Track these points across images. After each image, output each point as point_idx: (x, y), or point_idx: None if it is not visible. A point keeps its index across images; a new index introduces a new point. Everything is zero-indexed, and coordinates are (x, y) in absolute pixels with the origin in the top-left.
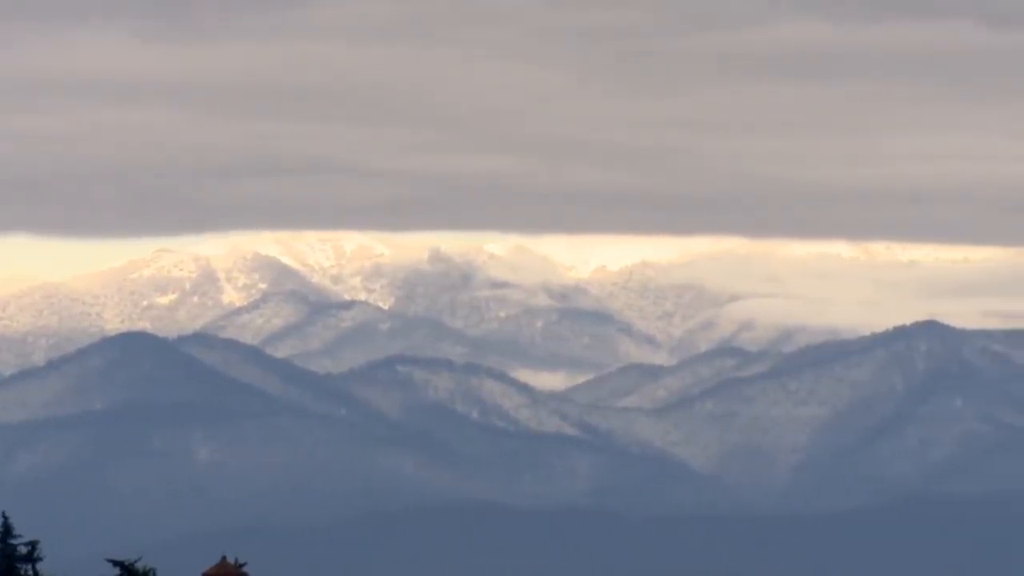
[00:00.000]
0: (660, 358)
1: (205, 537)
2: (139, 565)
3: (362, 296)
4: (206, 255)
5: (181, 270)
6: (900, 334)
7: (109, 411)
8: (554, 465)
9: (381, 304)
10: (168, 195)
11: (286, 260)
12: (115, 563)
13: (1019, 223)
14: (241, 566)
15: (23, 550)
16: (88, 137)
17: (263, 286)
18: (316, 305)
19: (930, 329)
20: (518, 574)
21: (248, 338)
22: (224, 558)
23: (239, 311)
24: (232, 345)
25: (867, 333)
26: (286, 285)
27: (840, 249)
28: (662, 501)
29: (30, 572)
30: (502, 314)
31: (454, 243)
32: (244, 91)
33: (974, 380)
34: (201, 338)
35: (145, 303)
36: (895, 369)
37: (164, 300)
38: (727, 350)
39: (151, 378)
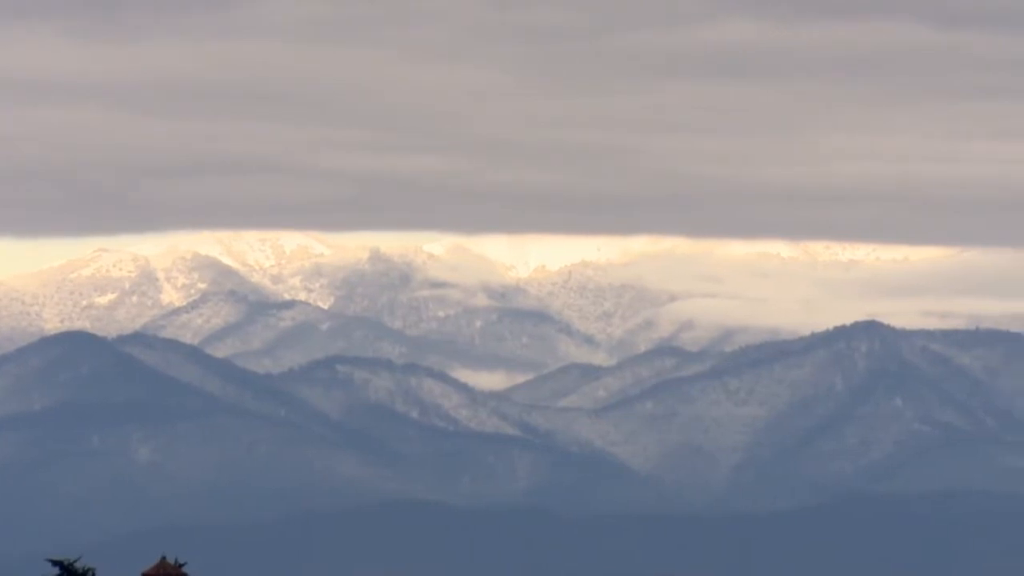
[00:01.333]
0: (599, 358)
1: (145, 537)
2: (79, 565)
3: (302, 296)
4: (145, 255)
5: (121, 270)
6: (840, 334)
7: (48, 411)
8: (493, 465)
9: (321, 304)
10: (108, 195)
11: (226, 260)
12: (54, 563)
13: (957, 223)
14: (181, 566)
15: None
16: (27, 137)
17: (203, 286)
18: (256, 305)
19: (870, 329)
20: (458, 574)
21: (188, 338)
22: (164, 558)
23: (179, 311)
24: (172, 345)
25: (807, 333)
26: (226, 285)
27: (780, 249)
28: (601, 501)
29: None
30: (441, 314)
31: (394, 243)
32: (185, 91)
33: (913, 380)
34: (141, 338)
35: (85, 303)
36: (835, 369)
37: (103, 300)
38: (667, 350)
39: (90, 378)
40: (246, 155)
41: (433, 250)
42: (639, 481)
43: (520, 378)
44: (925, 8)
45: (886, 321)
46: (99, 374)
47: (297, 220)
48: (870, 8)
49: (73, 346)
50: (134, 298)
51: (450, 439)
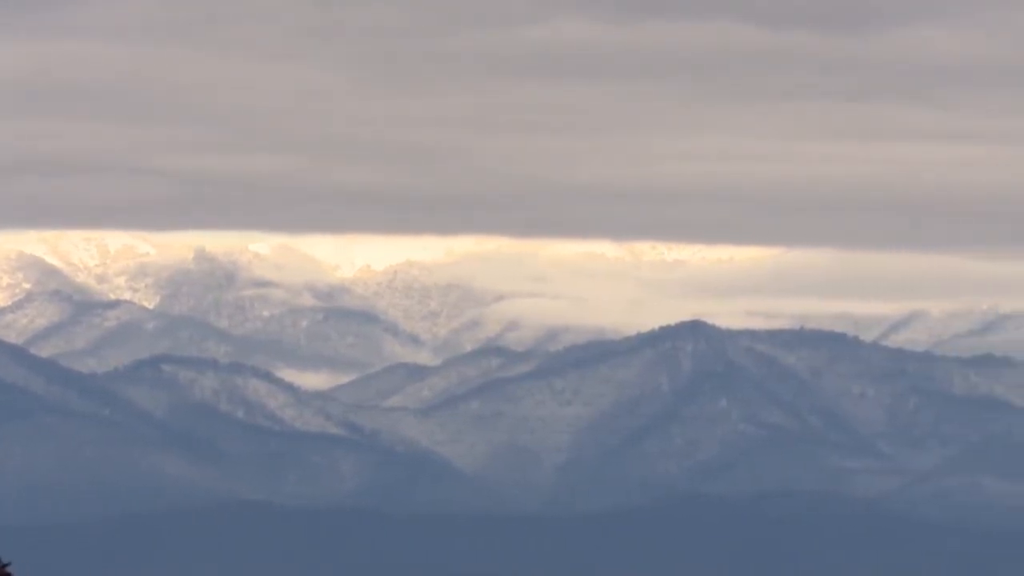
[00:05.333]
0: (425, 358)
1: None
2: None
3: (127, 295)
4: None
5: None
6: (665, 334)
7: None
8: (319, 464)
9: (146, 303)
10: None
11: (50, 259)
12: None
13: (782, 223)
14: (5, 566)
15: None
16: None
17: (27, 285)
18: (81, 304)
19: (695, 329)
20: (284, 573)
21: (12, 337)
22: None
23: (3, 311)
24: None
25: (632, 333)
26: (50, 284)
27: (606, 249)
28: (428, 500)
29: None
30: (267, 313)
31: (219, 242)
32: (7, 89)
33: (739, 380)
34: None
35: None
36: (661, 369)
37: None
38: (492, 350)
39: None
40: (70, 154)
41: (259, 249)
42: (465, 481)
43: (345, 378)
44: (754, 9)
45: (711, 321)
46: None
47: (122, 219)
48: (699, 9)
49: None
50: None
51: (275, 439)
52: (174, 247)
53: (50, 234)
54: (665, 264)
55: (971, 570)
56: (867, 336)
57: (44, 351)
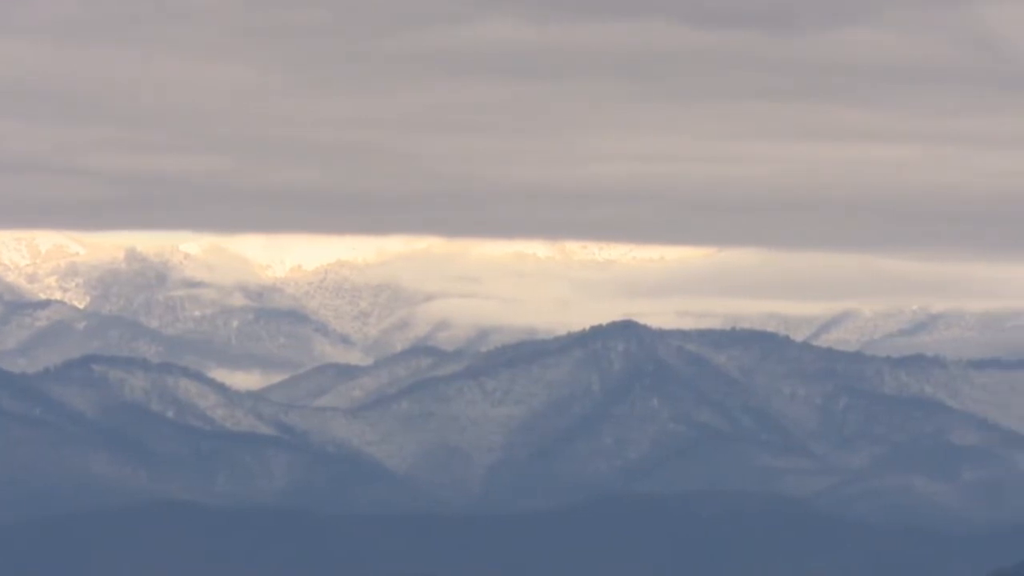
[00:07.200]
0: (356, 357)
1: None
2: None
3: (57, 295)
4: None
5: None
6: (597, 334)
7: None
8: (250, 464)
9: (77, 303)
10: None
11: None
12: None
13: (713, 223)
14: None
15: None
16: None
17: None
18: (11, 304)
19: (626, 329)
20: (214, 573)
21: None
22: None
23: None
24: None
25: (563, 333)
26: None
27: (536, 249)
28: (358, 501)
29: None
30: (197, 313)
31: (150, 242)
32: None
33: (670, 380)
34: None
35: None
36: (592, 369)
37: None
38: (423, 350)
39: None
40: (1, 153)
41: (189, 249)
42: (396, 481)
43: (276, 377)
44: (685, 10)
45: (642, 321)
46: None
47: (52, 219)
48: (635, 9)
49: None
50: None
51: (206, 438)
52: (105, 247)
53: None
54: (596, 264)
55: (901, 570)
56: (798, 336)
57: None
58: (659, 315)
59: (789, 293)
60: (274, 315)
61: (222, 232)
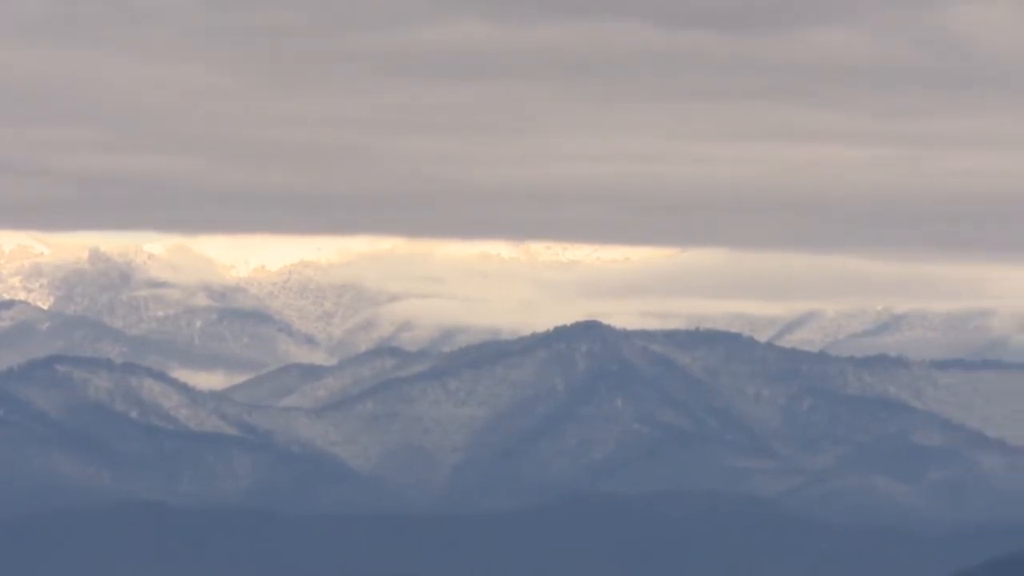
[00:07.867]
0: (320, 358)
1: None
2: None
3: (21, 295)
4: None
5: None
6: (561, 334)
7: None
8: (214, 465)
9: (40, 304)
10: None
11: None
12: None
13: (677, 223)
14: None
15: None
16: None
17: None
18: None
19: (590, 329)
20: (179, 574)
21: None
22: None
23: None
24: None
25: (527, 333)
26: None
27: (500, 249)
28: (323, 501)
29: None
30: (161, 313)
31: (113, 243)
32: None
33: (634, 380)
34: None
35: None
36: (556, 369)
37: None
38: (386, 350)
39: None
40: None
41: (153, 250)
42: (360, 481)
43: (240, 378)
44: (658, 10)
45: (606, 321)
46: None
47: (16, 220)
48: (602, 9)
49: None
50: None
51: (170, 439)
52: (68, 247)
53: None
54: (560, 264)
55: (864, 570)
56: (762, 336)
57: None
58: (623, 315)
59: (753, 293)
60: (238, 315)
61: (186, 232)
